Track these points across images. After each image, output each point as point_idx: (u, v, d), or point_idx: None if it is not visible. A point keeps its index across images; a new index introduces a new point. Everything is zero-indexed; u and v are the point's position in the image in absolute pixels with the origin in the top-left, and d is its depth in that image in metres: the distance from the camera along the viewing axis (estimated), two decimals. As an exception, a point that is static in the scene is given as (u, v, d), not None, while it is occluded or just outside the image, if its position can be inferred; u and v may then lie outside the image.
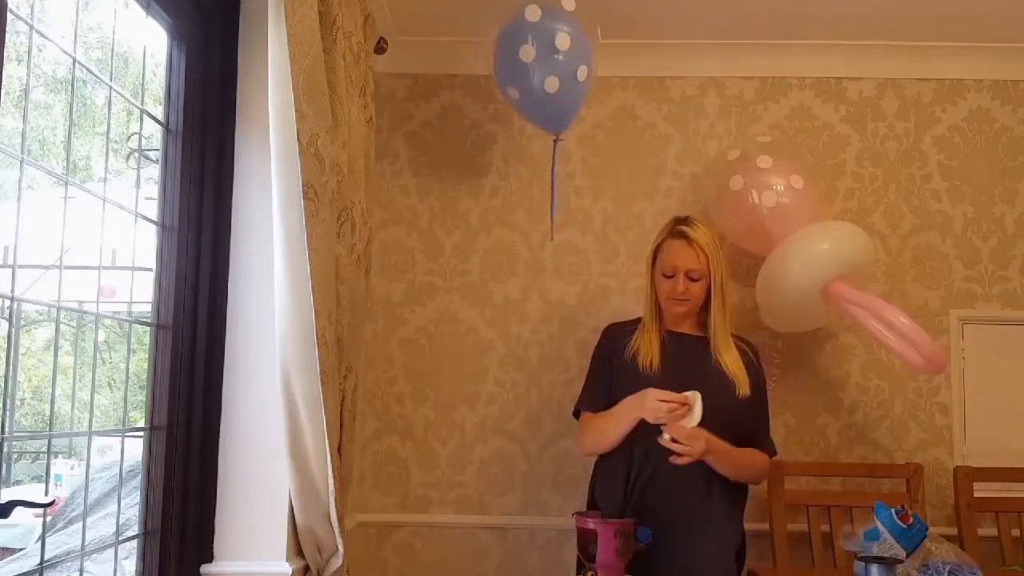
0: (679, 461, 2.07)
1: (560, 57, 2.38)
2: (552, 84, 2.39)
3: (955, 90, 2.98)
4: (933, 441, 2.85)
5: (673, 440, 2.07)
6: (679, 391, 2.13)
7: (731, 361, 2.23)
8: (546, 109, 2.50)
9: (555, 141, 2.59)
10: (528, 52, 2.36)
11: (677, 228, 2.25)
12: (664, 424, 2.08)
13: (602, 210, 2.96)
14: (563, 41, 2.36)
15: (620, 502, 2.20)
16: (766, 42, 2.92)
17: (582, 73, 2.42)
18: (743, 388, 2.21)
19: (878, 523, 2.13)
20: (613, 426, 2.20)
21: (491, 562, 2.85)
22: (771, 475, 2.66)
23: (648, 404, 2.09)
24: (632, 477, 2.20)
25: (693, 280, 2.21)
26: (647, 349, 2.24)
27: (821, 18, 2.75)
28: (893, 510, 2.13)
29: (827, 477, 2.80)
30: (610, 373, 2.30)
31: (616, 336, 2.35)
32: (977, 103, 2.97)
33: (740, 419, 2.23)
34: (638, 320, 2.36)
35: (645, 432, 2.14)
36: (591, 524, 2.07)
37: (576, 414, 2.40)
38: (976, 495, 2.65)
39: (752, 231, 2.67)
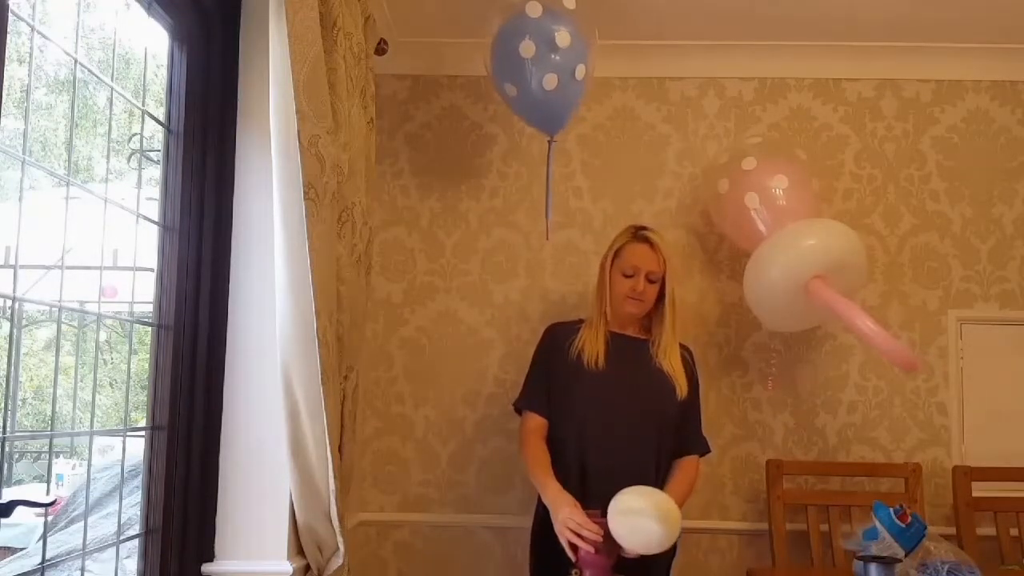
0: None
1: (559, 55, 2.38)
2: (551, 82, 2.38)
3: (954, 91, 2.98)
4: (932, 441, 2.85)
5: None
6: (621, 389, 2.28)
7: (674, 363, 2.33)
8: (543, 108, 2.49)
9: (550, 142, 2.59)
10: (528, 48, 2.35)
11: (640, 233, 2.37)
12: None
13: (602, 210, 2.97)
14: (563, 39, 2.35)
15: (576, 491, 2.18)
16: (765, 43, 2.93)
17: (580, 72, 2.42)
18: (681, 390, 2.32)
19: (877, 522, 2.15)
20: (533, 480, 2.25)
21: (491, 562, 2.85)
22: (771, 474, 2.69)
23: (560, 518, 2.07)
24: (584, 466, 2.25)
25: (650, 282, 2.33)
26: (592, 346, 2.32)
27: (820, 19, 2.75)
28: (892, 509, 2.14)
29: (826, 476, 2.80)
30: (548, 373, 2.37)
31: (559, 335, 2.41)
32: (976, 104, 2.97)
33: (676, 419, 2.33)
34: (580, 320, 2.44)
35: (596, 421, 2.26)
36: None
37: (518, 410, 2.42)
38: (974, 495, 2.66)
39: (743, 232, 2.68)
